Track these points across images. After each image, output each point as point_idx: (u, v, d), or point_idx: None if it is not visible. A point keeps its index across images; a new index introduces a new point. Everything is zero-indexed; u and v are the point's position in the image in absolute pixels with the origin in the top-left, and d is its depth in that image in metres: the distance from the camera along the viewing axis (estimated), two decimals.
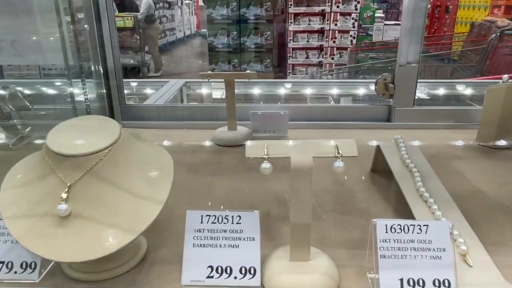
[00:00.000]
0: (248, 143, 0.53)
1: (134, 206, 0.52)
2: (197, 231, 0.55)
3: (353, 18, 5.05)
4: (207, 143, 1.07)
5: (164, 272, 0.57)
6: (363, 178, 0.85)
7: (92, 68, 1.04)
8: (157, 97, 1.51)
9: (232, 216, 0.55)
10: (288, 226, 0.66)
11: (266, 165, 0.50)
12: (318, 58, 5.32)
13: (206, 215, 0.55)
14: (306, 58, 5.35)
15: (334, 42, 5.21)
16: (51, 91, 1.20)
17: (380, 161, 0.84)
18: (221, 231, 0.55)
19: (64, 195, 0.49)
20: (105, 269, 0.55)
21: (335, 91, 1.73)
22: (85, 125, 0.55)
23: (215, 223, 0.55)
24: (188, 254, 0.54)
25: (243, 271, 0.53)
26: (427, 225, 0.52)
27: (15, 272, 0.55)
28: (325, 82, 2.63)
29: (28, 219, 0.50)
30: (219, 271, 0.53)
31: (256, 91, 1.75)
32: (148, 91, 1.78)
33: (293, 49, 5.35)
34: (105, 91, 1.09)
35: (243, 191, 0.81)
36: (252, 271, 0.53)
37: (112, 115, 1.13)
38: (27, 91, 1.06)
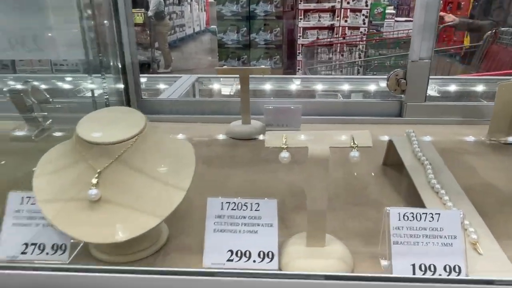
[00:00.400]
0: (268, 133, 0.56)
1: (159, 192, 0.55)
2: (218, 217, 0.57)
3: (363, 15, 5.02)
4: (221, 136, 1.10)
5: (185, 256, 0.60)
6: (375, 171, 0.87)
7: (111, 64, 1.07)
8: (170, 92, 1.54)
9: (251, 204, 0.57)
10: (302, 215, 0.69)
11: (285, 154, 0.53)
12: (327, 54, 5.30)
13: (226, 202, 0.57)
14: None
15: (344, 38, 5.19)
16: (72, 86, 1.24)
17: (392, 154, 0.86)
18: (240, 217, 0.57)
19: (94, 181, 0.53)
20: (131, 252, 0.58)
21: (341, 86, 1.75)
22: (113, 116, 0.58)
23: (235, 209, 0.57)
24: (209, 239, 0.56)
25: (261, 255, 0.56)
26: (439, 214, 0.54)
27: (47, 253, 0.58)
28: (334, 78, 2.63)
29: (61, 203, 0.53)
30: (239, 255, 0.56)
31: (267, 86, 1.77)
32: (161, 86, 1.82)
33: (303, 45, 5.33)
34: (123, 86, 1.12)
35: (258, 182, 0.84)
36: (270, 256, 0.55)
37: None
38: (48, 86, 1.10)
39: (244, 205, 0.58)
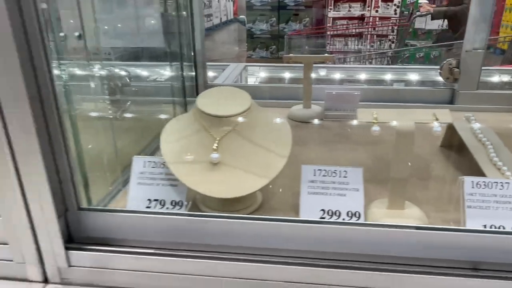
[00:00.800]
0: (359, 110, 0.65)
1: (265, 158, 0.66)
2: (311, 182, 0.67)
3: (395, 5, 4.97)
4: (280, 119, 1.20)
5: (280, 215, 0.71)
6: (435, 152, 0.95)
7: (185, 52, 1.19)
8: (223, 79, 1.65)
9: (340, 171, 0.67)
10: (374, 185, 0.78)
11: (376, 128, 0.62)
12: (357, 45, 5.28)
13: (318, 169, 0.67)
14: (344, 45, 5.32)
15: (374, 29, 5.15)
16: (154, 72, 1.35)
17: (450, 137, 0.94)
18: (330, 182, 0.67)
19: (215, 146, 0.64)
20: (235, 209, 0.69)
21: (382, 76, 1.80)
22: (224, 94, 0.69)
23: (326, 176, 0.67)
24: (304, 200, 0.67)
25: (349, 215, 0.65)
26: (508, 183, 0.62)
27: (167, 208, 0.70)
28: (363, 68, 2.67)
29: (187, 164, 0.65)
30: (330, 213, 0.66)
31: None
32: (210, 74, 1.93)
33: (332, 36, 5.33)
34: (194, 72, 1.24)
35: (327, 158, 0.94)
36: (357, 215, 0.65)
37: (197, 93, 1.28)
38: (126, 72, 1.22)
39: (334, 172, 0.67)
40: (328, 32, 4.95)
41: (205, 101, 0.67)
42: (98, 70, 0.80)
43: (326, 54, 1.11)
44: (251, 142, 0.66)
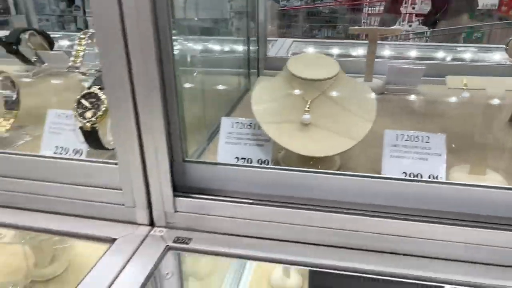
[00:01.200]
0: (448, 77, 0.67)
1: (352, 121, 0.70)
2: (393, 146, 0.71)
3: None
4: None
5: None
6: (503, 126, 0.95)
7: (252, 27, 1.22)
8: (274, 52, 1.68)
9: (422, 136, 0.70)
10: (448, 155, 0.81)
11: (466, 94, 0.64)
12: (395, 24, 5.10)
13: (401, 134, 0.71)
14: (382, 24, 5.16)
15: (413, 8, 4.98)
16: (223, 45, 1.40)
17: None
18: (413, 147, 0.70)
19: (307, 108, 0.68)
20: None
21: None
22: (314, 59, 0.73)
23: (408, 140, 0.71)
24: (386, 163, 0.71)
25: (431, 178, 0.69)
26: None
27: (253, 166, 0.76)
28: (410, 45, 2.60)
29: (280, 124, 0.70)
30: (411, 176, 0.70)
31: (359, 52, 1.84)
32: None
33: (369, 14, 5.20)
34: (257, 46, 1.27)
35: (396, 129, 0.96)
36: (438, 178, 0.69)
37: (257, 65, 1.32)
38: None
39: (416, 137, 0.71)
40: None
41: (297, 66, 0.71)
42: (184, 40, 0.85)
43: (393, 27, 1.11)
44: (340, 105, 0.69)
